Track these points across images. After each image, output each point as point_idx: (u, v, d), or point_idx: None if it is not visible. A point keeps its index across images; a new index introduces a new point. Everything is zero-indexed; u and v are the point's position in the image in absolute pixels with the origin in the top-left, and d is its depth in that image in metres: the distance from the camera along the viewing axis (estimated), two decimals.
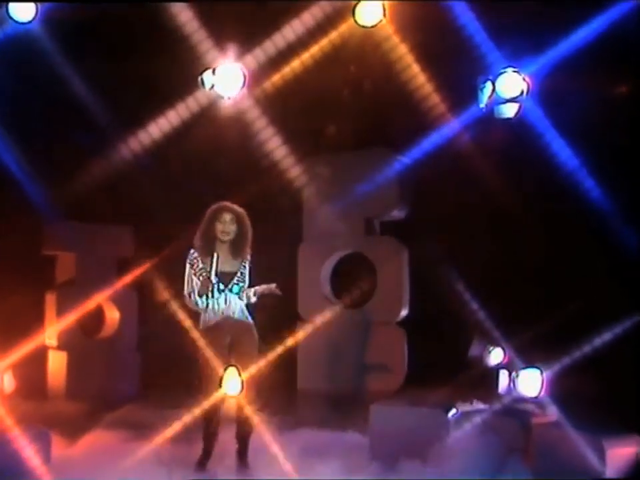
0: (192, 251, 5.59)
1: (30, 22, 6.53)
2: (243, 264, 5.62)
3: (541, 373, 5.93)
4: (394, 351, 7.42)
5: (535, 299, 6.55)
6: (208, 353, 5.43)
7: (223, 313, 5.54)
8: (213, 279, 5.46)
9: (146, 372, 8.10)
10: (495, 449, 5.40)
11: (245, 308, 5.63)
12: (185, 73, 6.80)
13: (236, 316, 5.55)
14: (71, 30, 6.70)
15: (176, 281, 5.71)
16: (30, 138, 7.09)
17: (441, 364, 6.67)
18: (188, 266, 5.56)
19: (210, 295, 5.49)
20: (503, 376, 6.29)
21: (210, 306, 5.53)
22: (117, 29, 6.84)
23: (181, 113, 6.94)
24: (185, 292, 5.56)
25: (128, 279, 7.65)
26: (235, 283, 5.55)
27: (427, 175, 6.98)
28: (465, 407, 5.70)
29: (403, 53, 6.56)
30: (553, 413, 5.72)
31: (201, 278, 5.47)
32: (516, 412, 5.79)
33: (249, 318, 5.63)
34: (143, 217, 7.78)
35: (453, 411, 5.62)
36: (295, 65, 6.74)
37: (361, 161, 7.52)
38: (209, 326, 5.55)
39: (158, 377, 7.70)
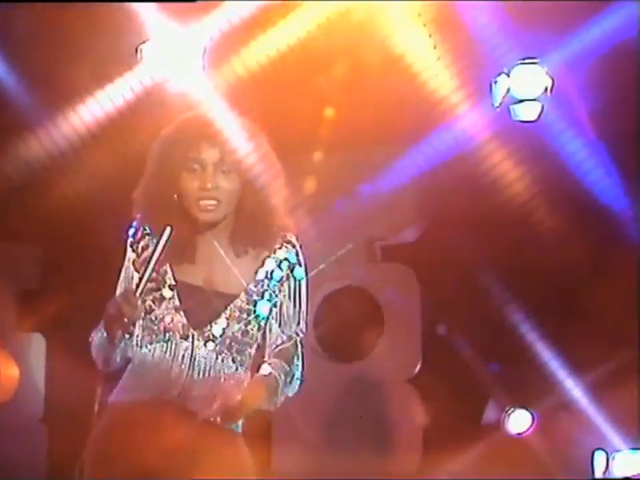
0: (133, 223, 2.88)
1: None
2: (269, 269, 2.76)
3: None
4: (406, 419, 6.40)
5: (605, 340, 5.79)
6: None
7: (175, 388, 2.74)
8: (167, 294, 2.72)
9: (55, 451, 6.80)
10: None
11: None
12: (118, 41, 5.95)
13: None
14: None
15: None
16: None
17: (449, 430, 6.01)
18: (126, 259, 2.85)
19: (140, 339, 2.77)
20: (599, 458, 5.43)
21: (143, 359, 2.72)
22: None
23: (112, 96, 6.04)
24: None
25: (32, 319, 6.85)
26: (238, 319, 2.75)
27: (437, 186, 6.36)
28: None
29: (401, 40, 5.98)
30: None
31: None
32: None
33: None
34: (57, 234, 6.68)
35: None
36: (277, 44, 5.85)
37: (362, 163, 6.56)
38: (121, 412, 2.75)
39: (72, 458, 6.11)
